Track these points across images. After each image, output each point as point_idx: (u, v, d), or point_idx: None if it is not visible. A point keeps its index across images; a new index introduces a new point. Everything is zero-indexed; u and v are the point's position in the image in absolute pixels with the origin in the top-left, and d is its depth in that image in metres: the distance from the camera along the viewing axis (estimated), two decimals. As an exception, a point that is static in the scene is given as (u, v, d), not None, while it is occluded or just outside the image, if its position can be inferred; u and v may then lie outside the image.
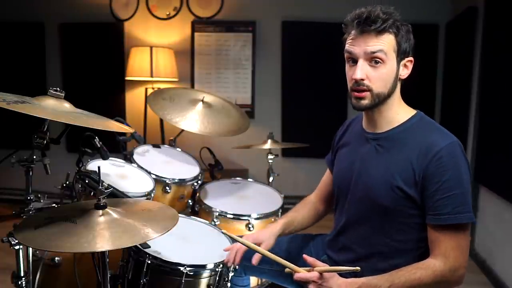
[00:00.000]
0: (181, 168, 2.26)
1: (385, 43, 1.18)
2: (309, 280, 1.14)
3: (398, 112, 1.26)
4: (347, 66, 1.26)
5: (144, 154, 2.24)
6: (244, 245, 1.27)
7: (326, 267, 1.16)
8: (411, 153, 1.19)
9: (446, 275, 1.15)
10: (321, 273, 1.14)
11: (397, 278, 1.15)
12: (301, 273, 1.16)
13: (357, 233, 1.32)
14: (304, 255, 1.19)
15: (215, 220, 1.96)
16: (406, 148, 1.21)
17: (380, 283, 1.14)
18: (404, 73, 1.25)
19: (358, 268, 1.06)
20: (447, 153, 1.15)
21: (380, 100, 1.22)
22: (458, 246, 1.15)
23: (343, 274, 1.17)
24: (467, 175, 1.17)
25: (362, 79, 1.19)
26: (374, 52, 1.17)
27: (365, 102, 1.21)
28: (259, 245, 1.33)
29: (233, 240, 1.46)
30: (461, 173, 1.15)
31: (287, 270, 1.20)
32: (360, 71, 1.18)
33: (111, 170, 1.92)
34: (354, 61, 1.22)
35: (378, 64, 1.19)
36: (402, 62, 1.23)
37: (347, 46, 1.23)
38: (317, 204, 1.58)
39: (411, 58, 1.25)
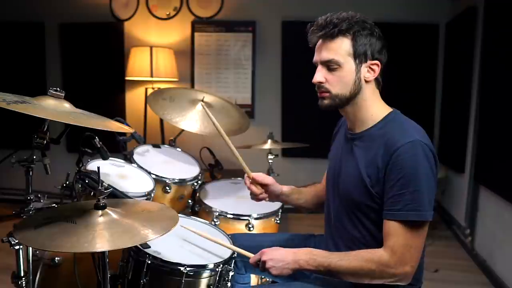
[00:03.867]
0: (181, 168, 2.26)
1: (338, 48, 1.24)
2: (256, 259, 1.30)
3: (372, 113, 1.30)
4: None
5: (144, 154, 2.24)
6: (201, 236, 1.47)
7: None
8: (378, 151, 1.23)
9: (391, 267, 1.17)
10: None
11: (346, 257, 1.21)
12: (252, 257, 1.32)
13: (341, 229, 1.36)
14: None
15: (215, 220, 1.96)
16: (375, 146, 1.24)
17: (327, 259, 1.22)
18: (369, 75, 1.27)
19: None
20: (405, 151, 1.17)
21: (342, 101, 1.28)
22: (406, 244, 1.17)
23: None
24: (426, 175, 1.17)
25: (320, 82, 1.27)
26: (326, 61, 1.26)
27: (325, 102, 1.29)
28: (265, 185, 1.52)
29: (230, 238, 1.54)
30: (417, 172, 1.16)
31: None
32: (318, 75, 1.28)
33: (111, 170, 1.92)
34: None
35: (334, 68, 1.25)
36: (365, 65, 1.26)
37: None
38: (323, 190, 1.61)
39: (376, 62, 1.26)
